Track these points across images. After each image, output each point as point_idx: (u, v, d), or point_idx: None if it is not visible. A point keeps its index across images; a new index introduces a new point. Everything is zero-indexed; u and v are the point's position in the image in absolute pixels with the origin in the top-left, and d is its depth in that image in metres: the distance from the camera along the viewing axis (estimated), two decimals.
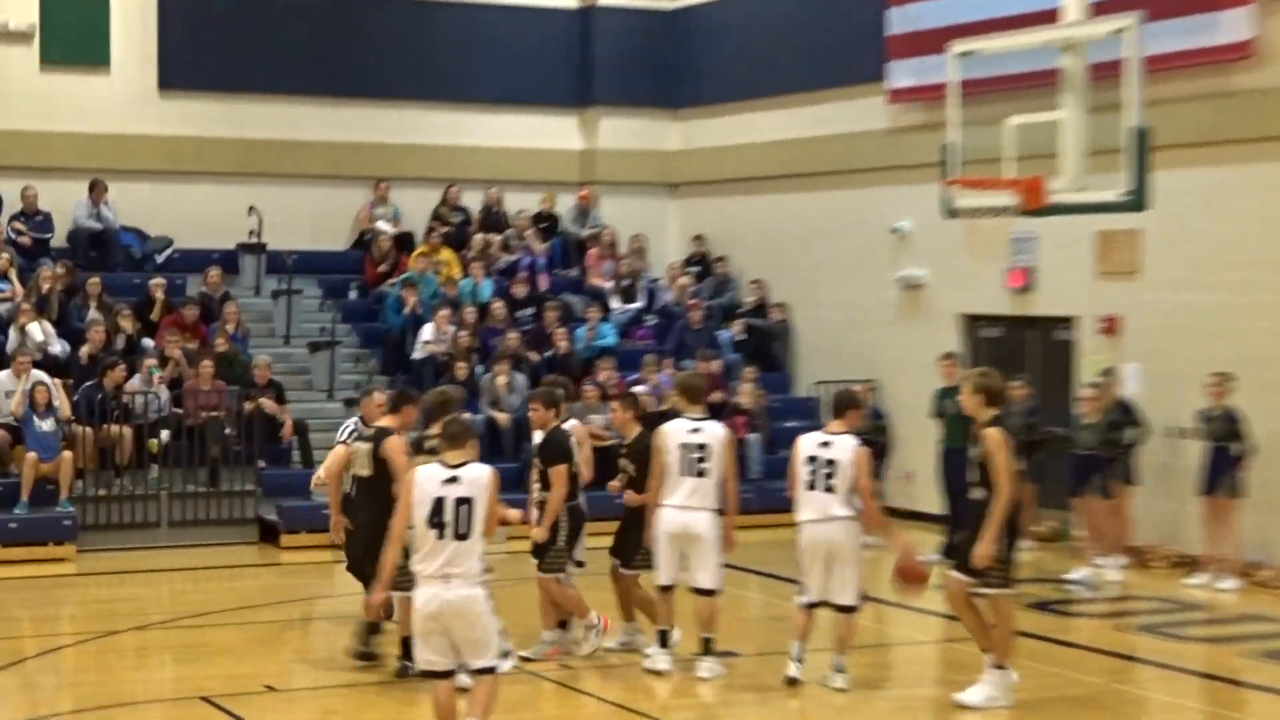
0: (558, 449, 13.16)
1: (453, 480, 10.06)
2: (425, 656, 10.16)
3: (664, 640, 13.24)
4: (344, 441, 13.57)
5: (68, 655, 14.43)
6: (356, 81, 26.08)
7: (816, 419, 23.80)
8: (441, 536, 9.98)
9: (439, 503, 10.01)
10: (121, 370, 20.46)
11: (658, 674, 13.03)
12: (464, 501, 10.02)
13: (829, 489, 12.54)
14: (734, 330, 25.22)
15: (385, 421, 13.00)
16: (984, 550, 11.84)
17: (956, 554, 12.37)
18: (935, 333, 22.29)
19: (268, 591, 17.37)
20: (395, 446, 12.68)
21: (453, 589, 9.98)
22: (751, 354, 24.67)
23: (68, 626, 16.31)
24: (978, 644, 12.33)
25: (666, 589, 13.14)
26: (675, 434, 13.04)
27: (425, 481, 10.09)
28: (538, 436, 13.37)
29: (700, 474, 12.96)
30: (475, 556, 10.07)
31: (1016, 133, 15.93)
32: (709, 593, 13.02)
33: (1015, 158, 15.90)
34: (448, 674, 10.22)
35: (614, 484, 13.57)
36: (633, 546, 13.44)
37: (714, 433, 13.12)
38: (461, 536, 9.99)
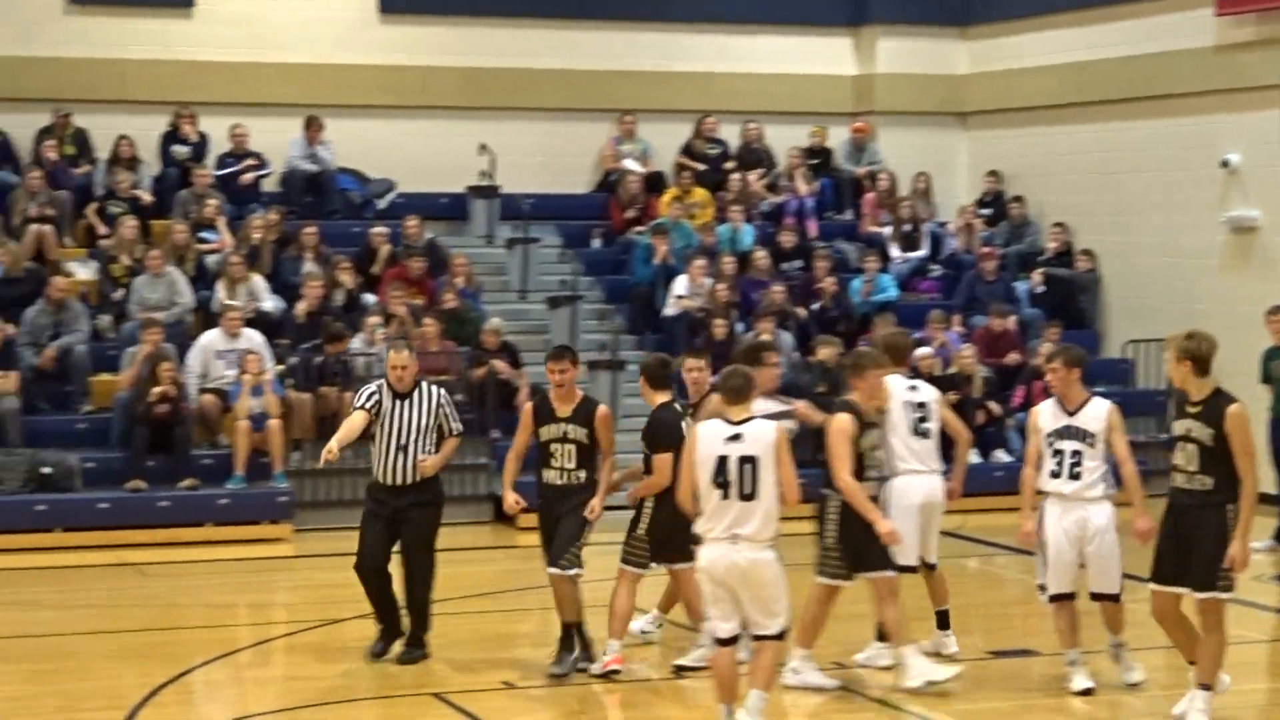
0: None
1: (735, 438, 10.63)
2: (712, 621, 10.81)
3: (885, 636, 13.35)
4: (363, 407, 13.52)
5: (284, 646, 14.80)
6: (598, 2, 26.27)
7: (1129, 383, 23.47)
8: (726, 497, 10.59)
9: (721, 461, 10.58)
10: (349, 339, 20.88)
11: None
12: (748, 460, 10.57)
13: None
14: (1033, 281, 24.93)
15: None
16: (1242, 550, 11.12)
17: (1171, 563, 11.49)
18: (1270, 283, 21.78)
19: (503, 578, 17.64)
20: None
21: (740, 550, 10.58)
22: (1054, 309, 24.36)
23: (284, 614, 16.74)
24: (1186, 657, 11.85)
25: (912, 570, 13.25)
26: (897, 392, 13.22)
27: (707, 439, 10.69)
28: None
29: (924, 435, 13.30)
30: (765, 518, 10.60)
31: None
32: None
33: None
34: (732, 640, 10.83)
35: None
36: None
37: (931, 393, 13.40)
38: (747, 497, 10.58)
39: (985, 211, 26.27)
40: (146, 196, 23.39)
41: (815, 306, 23.58)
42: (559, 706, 12.82)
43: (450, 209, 24.99)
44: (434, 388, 13.74)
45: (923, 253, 25.51)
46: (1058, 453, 12.40)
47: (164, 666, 13.60)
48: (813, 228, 25.56)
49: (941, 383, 21.31)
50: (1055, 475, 12.41)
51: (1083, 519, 12.36)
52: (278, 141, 24.32)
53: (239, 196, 23.80)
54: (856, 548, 12.40)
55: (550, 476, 13.20)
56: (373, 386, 13.72)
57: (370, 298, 22.46)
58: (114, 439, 20.26)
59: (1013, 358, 23.02)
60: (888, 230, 25.60)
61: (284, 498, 19.90)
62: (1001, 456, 22.19)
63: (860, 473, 12.30)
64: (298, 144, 24.38)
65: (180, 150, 24.04)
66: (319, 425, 20.64)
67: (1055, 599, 12.55)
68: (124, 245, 22.07)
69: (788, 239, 24.80)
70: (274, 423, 19.96)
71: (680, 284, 23.39)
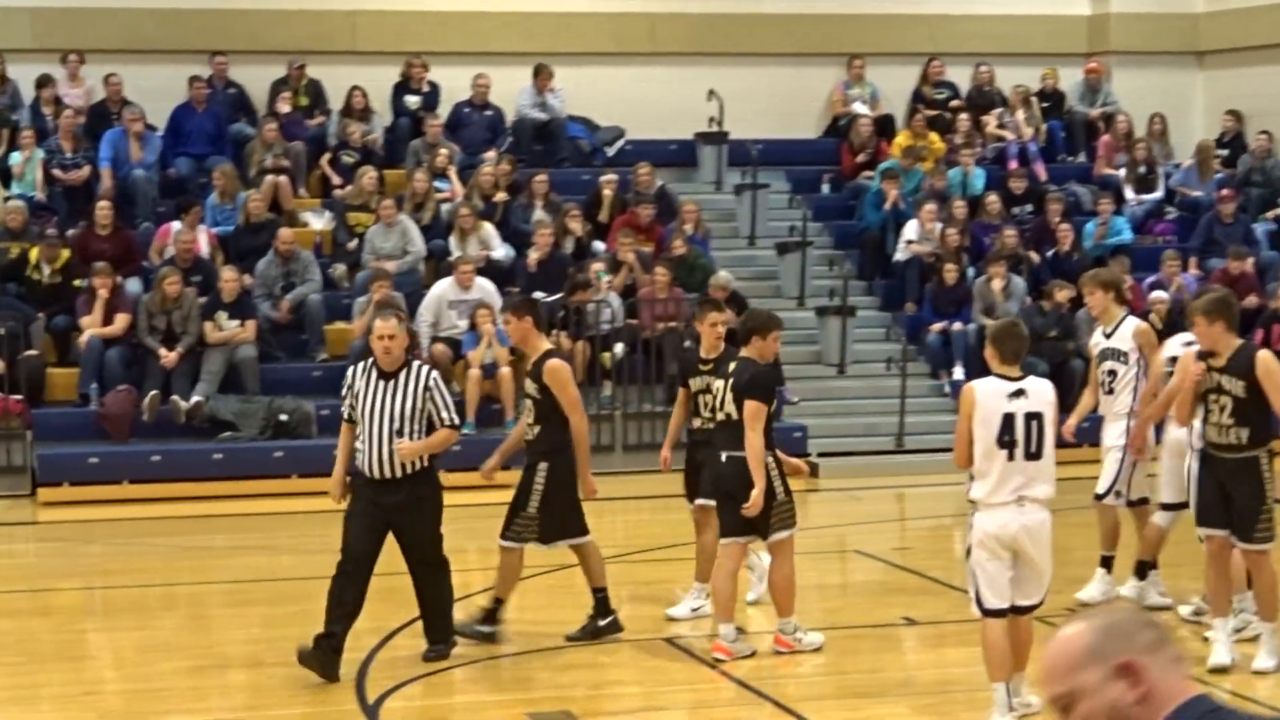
0: None
1: (1019, 394, 10.22)
2: (988, 592, 10.31)
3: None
4: (347, 418, 12.09)
5: (516, 590, 14.85)
6: None
7: None
8: (1012, 457, 10.15)
9: (1008, 419, 10.16)
10: (591, 291, 20.90)
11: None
12: (1034, 417, 10.19)
13: None
14: (1272, 223, 24.41)
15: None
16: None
17: None
18: None
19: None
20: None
21: (1027, 513, 10.20)
22: None
23: None
24: None
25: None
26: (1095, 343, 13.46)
27: (989, 397, 10.23)
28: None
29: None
30: (1049, 478, 10.25)
31: None
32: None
33: None
34: (1004, 612, 10.36)
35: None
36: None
37: (1128, 331, 13.32)
38: (1033, 456, 10.16)
39: (1223, 152, 25.72)
40: (379, 146, 23.65)
41: (1049, 251, 23.24)
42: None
43: (678, 155, 24.98)
44: (425, 368, 11.96)
45: (1158, 195, 25.04)
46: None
47: (399, 610, 13.70)
48: (1040, 170, 25.18)
49: (1178, 327, 21.06)
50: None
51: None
52: (507, 90, 24.42)
53: (470, 146, 23.94)
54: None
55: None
56: (349, 376, 12.03)
57: (599, 245, 22.50)
58: None
59: (1251, 300, 22.51)
60: (1122, 172, 25.15)
61: None
62: None
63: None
64: (527, 93, 24.47)
65: (412, 100, 24.25)
66: None
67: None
68: (363, 195, 22.29)
69: (1018, 183, 24.46)
70: (505, 371, 20.08)
71: (911, 229, 23.17)
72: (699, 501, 13.11)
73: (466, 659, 12.61)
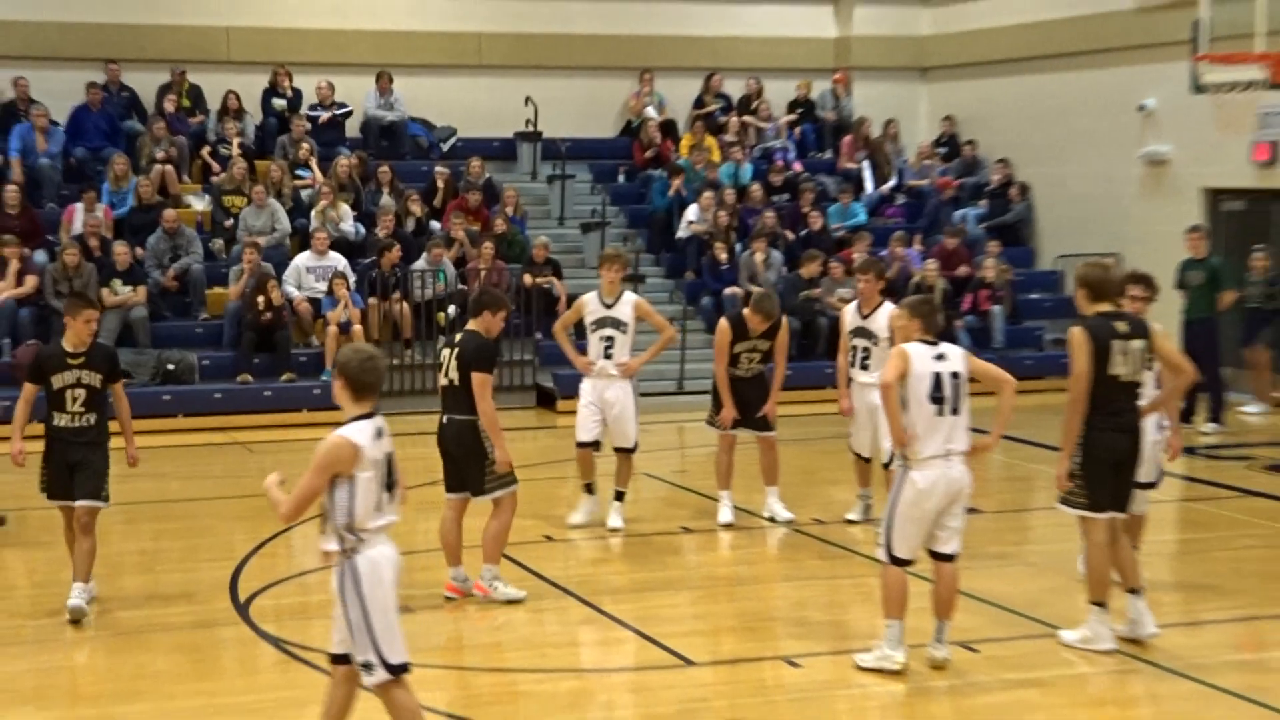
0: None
1: (941, 357, 9.60)
2: (900, 543, 9.63)
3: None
4: None
5: None
6: None
7: (1059, 291, 23.34)
8: (940, 413, 9.51)
9: (937, 378, 9.54)
10: (397, 252, 20.73)
11: None
12: (956, 375, 9.60)
13: None
14: (980, 208, 24.79)
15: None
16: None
17: None
18: (1178, 207, 21.62)
19: (544, 451, 17.57)
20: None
21: (954, 467, 9.56)
22: (996, 231, 24.21)
23: None
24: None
25: None
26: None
27: (919, 359, 9.57)
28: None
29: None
30: (966, 433, 9.62)
31: (1269, 6, 15.26)
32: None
33: (1267, 33, 15.24)
34: (910, 562, 9.69)
35: None
36: None
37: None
38: (955, 411, 9.55)
39: (941, 150, 26.06)
40: (250, 141, 23.26)
41: (802, 231, 23.42)
42: (586, 558, 12.79)
43: (501, 151, 24.85)
44: None
45: (891, 184, 25.31)
46: (852, 348, 13.22)
47: (269, 526, 13.55)
48: (796, 165, 25.35)
49: (905, 292, 21.31)
50: (851, 365, 13.30)
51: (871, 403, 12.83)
52: (358, 94, 24.15)
53: (327, 140, 23.62)
54: None
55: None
56: None
57: (435, 224, 22.33)
58: (226, 341, 20.22)
59: (963, 270, 22.89)
60: (864, 165, 25.39)
61: None
62: None
63: None
64: (372, 95, 24.21)
65: (278, 102, 23.87)
66: (390, 328, 20.60)
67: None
68: (234, 181, 21.94)
69: (777, 176, 24.63)
70: (357, 328, 19.91)
71: (692, 211, 23.24)
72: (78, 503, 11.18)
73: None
